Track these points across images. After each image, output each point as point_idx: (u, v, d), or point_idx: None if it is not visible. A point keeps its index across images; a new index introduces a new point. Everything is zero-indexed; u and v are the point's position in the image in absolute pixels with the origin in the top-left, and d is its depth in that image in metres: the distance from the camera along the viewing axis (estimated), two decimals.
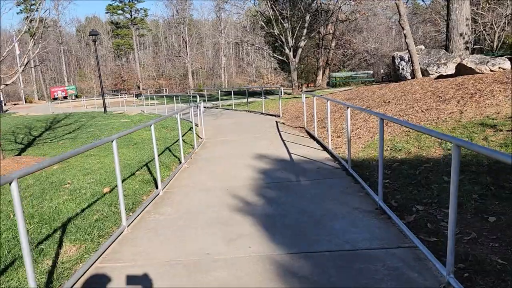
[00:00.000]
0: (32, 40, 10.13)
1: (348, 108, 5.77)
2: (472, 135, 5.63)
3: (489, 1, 26.24)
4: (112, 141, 4.12)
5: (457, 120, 6.50)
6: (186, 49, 71.18)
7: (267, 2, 21.71)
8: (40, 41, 10.58)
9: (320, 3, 26.37)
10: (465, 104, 6.99)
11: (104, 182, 6.34)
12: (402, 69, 11.38)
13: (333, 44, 34.56)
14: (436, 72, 11.02)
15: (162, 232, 4.20)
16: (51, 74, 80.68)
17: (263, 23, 23.47)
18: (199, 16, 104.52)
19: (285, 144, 8.75)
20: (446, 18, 12.41)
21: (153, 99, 27.99)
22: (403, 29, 10.45)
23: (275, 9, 21.30)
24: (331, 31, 33.72)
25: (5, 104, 43.90)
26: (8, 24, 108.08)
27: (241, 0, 22.71)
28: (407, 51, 11.54)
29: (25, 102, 50.81)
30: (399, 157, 5.96)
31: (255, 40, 26.25)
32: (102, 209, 4.89)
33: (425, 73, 11.14)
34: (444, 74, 10.51)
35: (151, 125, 5.55)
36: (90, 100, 34.60)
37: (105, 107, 23.71)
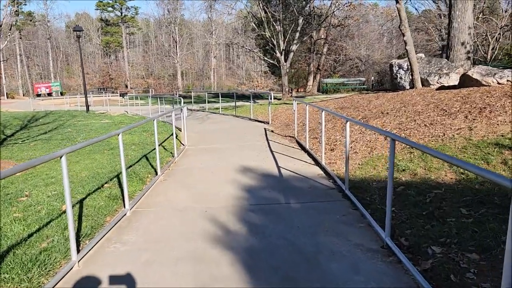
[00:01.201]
0: None
1: (347, 122, 5.06)
2: (488, 157, 4.96)
3: (483, 11, 25.99)
4: (60, 157, 3.32)
5: (467, 138, 5.83)
6: (176, 49, 70.15)
7: (259, 3, 21.02)
8: (9, 34, 9.67)
9: (313, 7, 25.79)
10: (474, 119, 6.34)
11: None
12: (401, 78, 10.76)
13: (325, 50, 34.05)
14: (438, 83, 10.42)
15: (121, 270, 3.41)
16: (37, 69, 78.84)
17: (254, 25, 22.75)
18: (191, 16, 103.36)
19: (273, 155, 8.01)
20: (447, 26, 11.85)
21: (138, 99, 27.04)
22: (403, 35, 9.81)
23: (267, 10, 20.62)
24: (323, 36, 33.21)
25: None
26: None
27: (232, 0, 21.91)
28: (406, 59, 10.93)
29: (7, 98, 49.23)
30: (403, 179, 5.26)
31: (246, 42, 25.51)
32: (54, 235, 4.08)
33: (425, 83, 10.53)
34: (446, 85, 9.91)
35: (118, 134, 4.74)
36: (74, 98, 33.43)
37: (87, 106, 22.73)
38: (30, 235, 4.08)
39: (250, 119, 14.28)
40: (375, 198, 4.84)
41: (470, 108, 6.98)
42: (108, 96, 31.24)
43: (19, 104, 34.85)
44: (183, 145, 9.85)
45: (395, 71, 10.88)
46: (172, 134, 10.74)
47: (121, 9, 74.08)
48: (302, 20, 21.19)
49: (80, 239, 4.00)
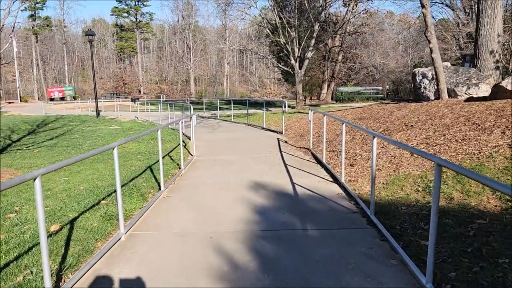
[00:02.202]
0: None
1: (374, 138, 4.43)
2: None
3: (505, 21, 25.06)
4: (34, 179, 2.76)
5: (508, 157, 5.15)
6: (190, 55, 70.18)
7: (274, 9, 20.51)
8: (11, 36, 9.29)
9: (329, 14, 25.21)
10: None
11: (58, 213, 4.96)
12: (424, 87, 10.07)
13: (339, 57, 33.37)
14: (466, 94, 9.71)
15: None
16: (53, 74, 79.60)
17: (268, 31, 22.21)
18: (204, 23, 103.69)
19: (287, 170, 7.39)
20: (474, 33, 11.13)
21: (149, 104, 26.71)
22: (429, 42, 9.15)
23: (282, 16, 20.09)
24: (338, 44, 32.57)
25: None
26: (13, 22, 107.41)
27: (245, 3, 21.36)
28: (430, 67, 10.25)
29: (20, 101, 49.53)
30: None
31: (259, 49, 25.02)
32: (34, 265, 3.52)
33: (452, 93, 9.83)
34: (475, 96, 9.20)
35: (113, 148, 4.19)
36: (85, 102, 33.30)
37: (97, 112, 22.42)
38: (6, 264, 3.53)
39: (262, 128, 13.70)
40: (406, 226, 4.19)
41: (507, 122, 6.28)
42: (119, 101, 31.00)
43: (32, 108, 34.86)
44: (191, 155, 9.30)
45: (418, 81, 10.20)
46: (180, 143, 10.21)
47: (136, 15, 74.54)
48: (318, 27, 20.59)
49: (62, 272, 3.43)
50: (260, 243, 4.02)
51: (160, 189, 6.10)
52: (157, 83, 76.68)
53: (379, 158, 6.90)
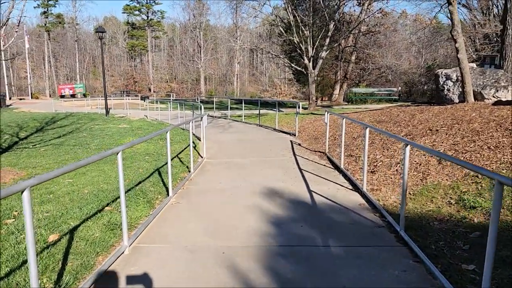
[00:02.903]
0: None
1: (407, 146, 3.98)
2: None
3: None
4: (22, 192, 2.37)
5: None
6: (200, 54, 70.00)
7: (288, 7, 20.04)
8: (16, 31, 8.99)
9: (343, 13, 24.66)
10: None
11: (59, 220, 4.60)
12: (448, 90, 9.55)
13: (353, 58, 32.78)
14: (494, 97, 9.17)
15: None
16: (64, 71, 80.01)
17: (282, 29, 21.72)
18: (216, 22, 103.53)
19: (303, 175, 6.96)
20: (501, 34, 10.56)
21: (159, 103, 26.43)
22: (455, 41, 8.62)
23: (296, 15, 19.61)
24: (351, 44, 31.99)
25: (10, 98, 42.81)
26: (27, 19, 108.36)
27: (258, 1, 20.86)
28: (454, 68, 9.74)
29: (31, 98, 49.66)
30: (475, 220, 4.14)
31: (271, 48, 24.57)
32: (27, 282, 3.15)
33: (478, 96, 9.30)
34: (504, 99, 8.67)
35: (117, 153, 3.80)
36: (95, 100, 33.17)
37: (107, 110, 22.18)
38: None
39: (274, 129, 13.27)
40: (441, 246, 3.74)
41: None
42: (129, 99, 30.79)
43: (42, 104, 34.85)
44: (202, 157, 8.91)
45: (441, 82, 9.67)
46: (190, 145, 9.83)
47: (147, 13, 74.58)
48: (333, 25, 20.07)
49: None
50: (277, 262, 3.60)
51: (168, 194, 5.71)
52: (167, 81, 76.62)
53: (402, 164, 6.44)
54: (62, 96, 48.37)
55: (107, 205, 5.17)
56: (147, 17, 74.82)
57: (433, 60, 50.08)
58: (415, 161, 6.40)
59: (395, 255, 3.68)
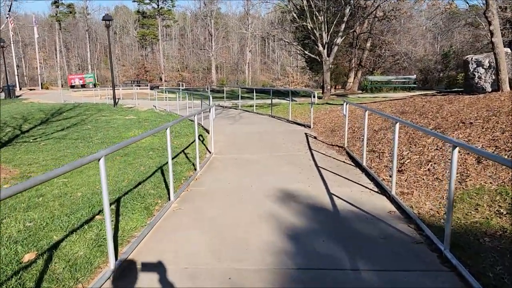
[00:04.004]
0: None
1: (456, 148, 3.23)
2: None
3: None
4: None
5: None
6: (211, 43, 69.19)
7: None
8: (7, 16, 8.37)
9: None
10: None
11: (41, 233, 3.98)
12: (479, 77, 8.67)
13: (368, 44, 31.63)
14: None
15: None
16: (76, 61, 79.97)
17: (295, 15, 20.77)
18: (227, 10, 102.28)
19: (321, 174, 6.24)
20: None
21: (168, 92, 25.78)
22: (489, 23, 7.73)
23: None
24: (366, 30, 30.82)
25: (20, 89, 42.67)
26: (39, 9, 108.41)
27: None
28: (486, 54, 8.85)
29: (41, 88, 49.53)
30: None
31: (283, 35, 23.65)
32: None
33: None
34: None
35: (99, 159, 3.13)
36: (104, 90, 32.69)
37: (115, 100, 21.64)
38: None
39: (288, 120, 12.51)
40: (499, 272, 3.01)
41: None
42: (137, 89, 30.24)
43: (52, 95, 34.51)
44: (210, 152, 8.24)
45: (471, 69, 8.80)
46: (199, 140, 9.14)
47: (157, 1, 73.75)
48: (349, 10, 19.09)
49: None
50: None
51: (169, 199, 5.04)
52: (178, 70, 76.04)
53: (434, 163, 5.68)
54: (72, 87, 48.15)
55: (99, 212, 4.53)
56: (158, 5, 74.00)
57: (450, 47, 48.49)
58: (449, 159, 5.58)
59: (442, 284, 2.96)
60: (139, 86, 43.39)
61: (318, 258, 3.43)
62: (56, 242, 3.72)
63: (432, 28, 51.40)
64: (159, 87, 39.16)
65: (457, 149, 3.22)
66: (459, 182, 4.88)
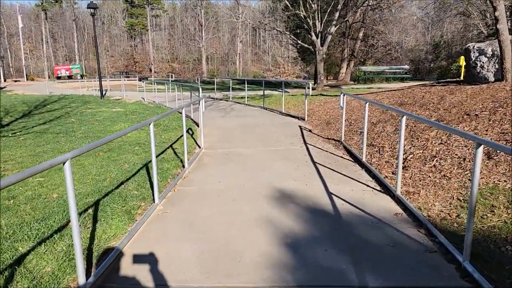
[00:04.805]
0: None
1: (480, 146, 2.83)
2: None
3: None
4: None
5: None
6: (202, 33, 68.09)
7: None
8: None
9: None
10: None
11: (5, 244, 3.51)
12: (481, 66, 8.28)
13: (360, 34, 31.20)
14: None
15: None
16: (63, 51, 78.32)
17: (287, 2, 20.19)
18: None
19: (318, 171, 5.82)
20: None
21: (157, 84, 25.12)
22: (494, 9, 7.32)
23: None
24: (359, 19, 30.37)
25: (5, 80, 41.56)
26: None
27: None
28: (488, 42, 8.46)
29: (27, 80, 48.33)
30: None
31: (275, 24, 23.05)
32: None
33: None
34: None
35: (64, 163, 2.68)
36: (91, 81, 31.86)
37: (101, 92, 20.98)
38: None
39: (281, 112, 12.07)
40: None
41: None
42: (125, 80, 29.50)
43: (37, 86, 33.60)
44: (199, 147, 7.78)
45: (473, 58, 8.40)
46: (188, 134, 8.65)
47: None
48: None
49: None
50: None
51: (154, 201, 4.59)
52: (168, 61, 74.96)
53: (440, 159, 5.29)
54: (59, 78, 47.04)
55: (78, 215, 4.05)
56: None
57: (440, 37, 48.31)
58: (456, 155, 5.23)
59: None
60: (128, 77, 42.57)
61: (321, 272, 3.01)
62: (21, 255, 3.25)
63: (423, 17, 51.11)
64: (148, 78, 38.39)
65: (481, 147, 2.81)
66: (469, 179, 4.50)
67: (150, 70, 67.76)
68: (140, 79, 32.14)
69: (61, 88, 31.70)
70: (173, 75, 49.21)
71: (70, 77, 47.92)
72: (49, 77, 61.18)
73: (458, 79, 18.57)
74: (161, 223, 4.07)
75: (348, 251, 3.34)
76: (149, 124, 4.44)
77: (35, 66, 71.08)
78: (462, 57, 22.71)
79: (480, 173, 4.54)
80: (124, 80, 28.87)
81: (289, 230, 3.77)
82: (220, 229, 3.87)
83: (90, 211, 4.23)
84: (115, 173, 5.97)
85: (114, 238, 3.67)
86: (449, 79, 17.14)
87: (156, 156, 6.94)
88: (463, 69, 22.20)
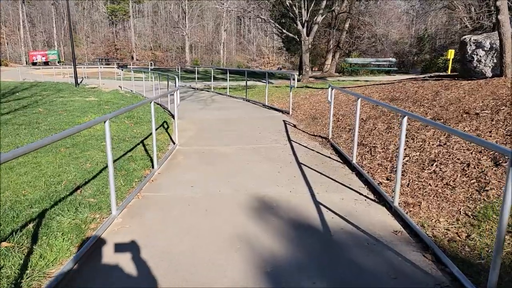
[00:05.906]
0: None
1: None
2: None
3: None
4: None
5: None
6: (185, 21, 66.56)
7: None
8: None
9: None
10: None
11: None
12: (478, 60, 7.75)
13: (346, 25, 30.57)
14: None
15: None
16: (42, 36, 75.66)
17: None
18: None
19: (304, 174, 5.20)
20: None
21: (136, 72, 24.10)
22: None
23: None
24: (345, 10, 29.73)
25: None
26: None
27: None
28: (486, 35, 7.93)
29: (0, 65, 46.38)
30: None
31: (260, 12, 22.25)
32: None
33: None
34: None
35: None
36: (66, 68, 30.52)
37: (76, 80, 19.92)
38: None
39: (264, 105, 11.40)
40: None
41: None
42: (101, 67, 28.34)
43: (10, 73, 32.05)
44: (174, 143, 7.07)
45: (469, 51, 7.86)
46: (163, 128, 7.92)
47: None
48: None
49: None
50: None
51: (111, 211, 3.89)
52: (151, 49, 73.29)
53: (441, 164, 4.71)
54: (34, 64, 45.23)
55: (12, 233, 3.34)
56: None
57: (424, 30, 48.16)
58: (458, 159, 4.67)
59: None
60: (108, 64, 41.15)
61: None
62: None
63: (409, 10, 50.84)
64: (127, 66, 37.14)
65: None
66: (477, 190, 3.93)
67: (132, 57, 66.09)
68: (119, 67, 30.94)
69: (36, 74, 30.30)
70: (156, 63, 47.90)
71: (46, 63, 46.13)
72: (26, 63, 59.03)
73: (445, 73, 18.19)
74: (118, 241, 3.38)
75: (340, 284, 2.72)
76: (105, 122, 3.70)
77: (12, 52, 68.51)
78: (451, 51, 22.40)
79: (489, 183, 3.98)
80: (102, 67, 27.71)
81: (270, 254, 3.14)
82: (185, 251, 3.20)
83: (31, 226, 3.51)
84: (74, 174, 5.24)
85: (56, 263, 2.98)
86: (437, 73, 16.70)
87: (124, 154, 6.26)
88: (450, 63, 21.91)
